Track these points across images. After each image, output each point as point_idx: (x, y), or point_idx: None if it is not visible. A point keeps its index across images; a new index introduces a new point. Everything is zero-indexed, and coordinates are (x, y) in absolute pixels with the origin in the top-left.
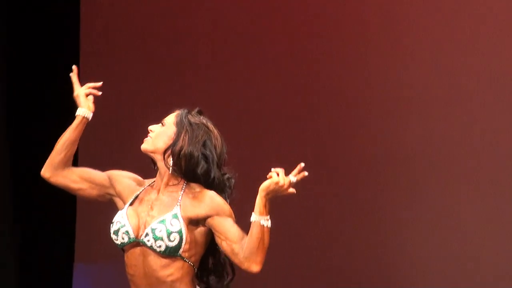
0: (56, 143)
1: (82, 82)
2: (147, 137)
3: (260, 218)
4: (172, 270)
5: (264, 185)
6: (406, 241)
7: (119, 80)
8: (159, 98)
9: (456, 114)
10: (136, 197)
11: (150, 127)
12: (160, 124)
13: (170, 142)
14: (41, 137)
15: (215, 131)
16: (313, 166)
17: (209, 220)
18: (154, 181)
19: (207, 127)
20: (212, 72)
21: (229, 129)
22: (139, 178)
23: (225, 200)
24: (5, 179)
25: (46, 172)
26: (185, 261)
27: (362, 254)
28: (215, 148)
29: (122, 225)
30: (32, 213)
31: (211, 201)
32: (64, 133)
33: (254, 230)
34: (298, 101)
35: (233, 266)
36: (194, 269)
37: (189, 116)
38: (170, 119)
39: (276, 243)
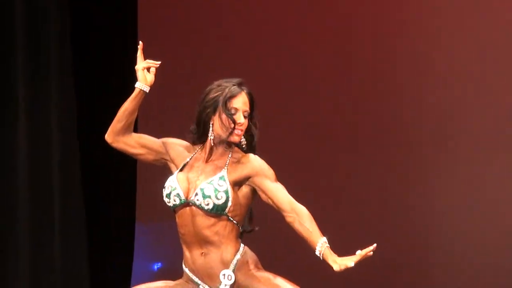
0: (118, 112)
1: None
2: (238, 131)
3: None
4: (218, 228)
5: (337, 259)
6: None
7: (176, 51)
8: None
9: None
10: (186, 163)
11: (241, 121)
12: (243, 116)
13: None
14: (104, 106)
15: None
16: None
17: (250, 180)
18: (202, 148)
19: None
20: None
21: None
22: (189, 145)
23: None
24: (73, 146)
25: (108, 137)
26: (229, 219)
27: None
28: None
29: (173, 188)
30: (96, 176)
31: (250, 162)
32: (124, 103)
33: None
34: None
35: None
36: (239, 227)
37: (251, 92)
38: (246, 106)
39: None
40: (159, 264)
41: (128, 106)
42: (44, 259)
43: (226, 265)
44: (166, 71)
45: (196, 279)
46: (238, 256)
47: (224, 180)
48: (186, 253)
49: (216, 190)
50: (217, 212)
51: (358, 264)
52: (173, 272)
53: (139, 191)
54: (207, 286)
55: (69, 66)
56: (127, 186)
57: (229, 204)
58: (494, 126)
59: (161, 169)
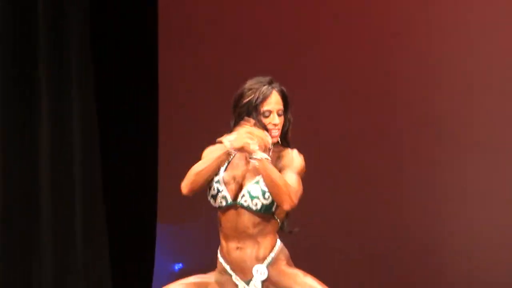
0: (202, 169)
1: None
2: (275, 131)
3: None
4: (262, 226)
5: None
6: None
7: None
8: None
9: None
10: (229, 163)
11: (275, 122)
12: (278, 115)
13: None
14: (125, 103)
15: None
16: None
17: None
18: None
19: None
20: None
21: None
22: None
23: None
24: (94, 146)
25: (188, 192)
26: (274, 218)
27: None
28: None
29: (220, 191)
30: (117, 178)
31: (288, 156)
32: (211, 162)
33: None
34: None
35: None
36: (279, 223)
37: (282, 88)
38: (279, 104)
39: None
40: (180, 264)
41: (215, 166)
42: (65, 260)
43: (260, 261)
44: (193, 74)
45: (230, 271)
46: (273, 253)
47: None
48: (223, 242)
49: (263, 190)
50: (265, 211)
51: None
52: (194, 273)
53: (161, 191)
54: (239, 278)
55: (90, 72)
56: (148, 186)
57: (276, 203)
58: None
59: (183, 169)
